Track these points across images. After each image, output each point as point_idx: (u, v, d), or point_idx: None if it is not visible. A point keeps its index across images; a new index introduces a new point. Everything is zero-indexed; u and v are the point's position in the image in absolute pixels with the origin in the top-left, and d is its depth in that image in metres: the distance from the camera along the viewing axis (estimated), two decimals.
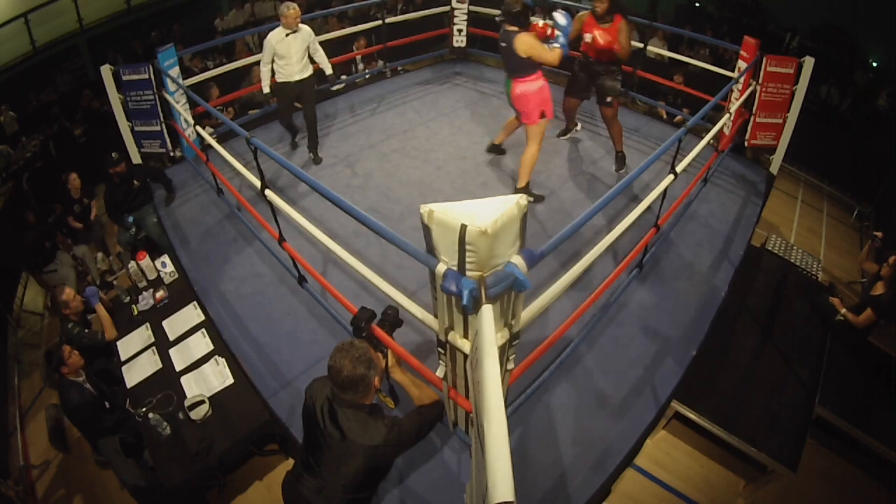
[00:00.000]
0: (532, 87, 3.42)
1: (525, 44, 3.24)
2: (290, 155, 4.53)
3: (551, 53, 3.26)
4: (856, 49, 7.93)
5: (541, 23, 3.27)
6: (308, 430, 1.85)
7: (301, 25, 3.95)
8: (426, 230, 1.56)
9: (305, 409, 1.84)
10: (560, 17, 3.26)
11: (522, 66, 3.36)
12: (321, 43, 5.37)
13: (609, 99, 3.90)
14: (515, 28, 3.28)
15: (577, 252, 3.30)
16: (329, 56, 5.67)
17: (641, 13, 6.43)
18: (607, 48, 3.63)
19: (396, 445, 1.74)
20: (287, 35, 3.91)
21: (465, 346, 1.78)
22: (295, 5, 3.89)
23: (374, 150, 4.56)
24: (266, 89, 4.11)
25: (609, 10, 3.61)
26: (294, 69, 4.04)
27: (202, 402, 2.70)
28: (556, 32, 3.26)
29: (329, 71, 4.37)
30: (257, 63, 5.43)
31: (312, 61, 4.21)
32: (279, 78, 4.06)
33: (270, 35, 3.92)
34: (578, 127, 4.64)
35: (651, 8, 8.64)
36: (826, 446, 3.32)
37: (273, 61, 3.99)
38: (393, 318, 2.09)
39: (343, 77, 6.10)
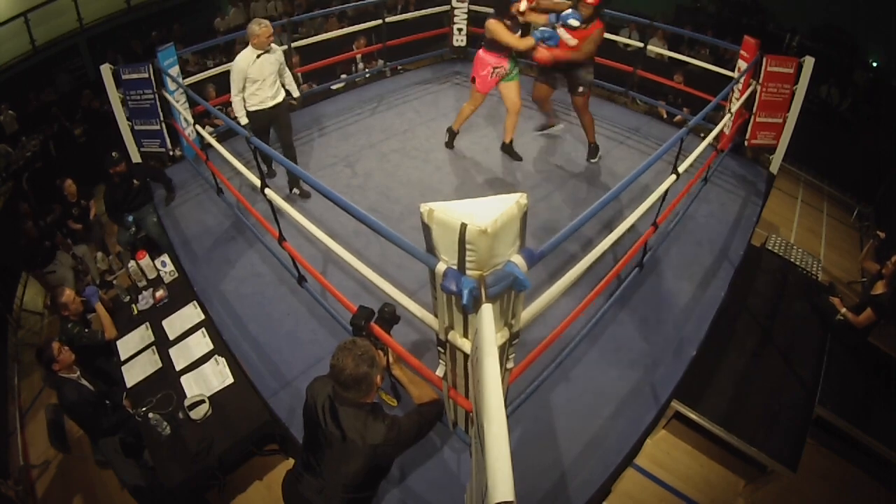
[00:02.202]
0: (490, 58, 3.89)
1: (489, 28, 3.75)
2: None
3: (520, 41, 3.69)
4: (856, 49, 7.93)
5: (522, 6, 3.68)
6: (309, 429, 1.85)
7: (272, 45, 3.59)
8: (426, 229, 1.55)
9: (306, 408, 1.84)
10: (573, 19, 3.62)
11: (490, 43, 3.84)
12: (320, 43, 5.42)
13: (581, 89, 3.94)
14: (492, 12, 3.83)
15: (578, 252, 3.30)
16: (329, 56, 5.65)
17: (644, 13, 6.42)
18: (568, 52, 3.74)
19: (396, 445, 1.74)
20: (258, 57, 3.53)
21: (465, 345, 1.78)
22: (267, 22, 3.52)
23: (374, 149, 4.56)
24: (243, 120, 3.66)
25: (591, 17, 3.67)
26: (268, 94, 3.66)
27: (202, 401, 2.70)
28: (542, 23, 3.69)
29: (296, 93, 3.99)
30: None
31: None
32: (251, 106, 3.67)
33: (239, 59, 3.53)
34: (560, 126, 4.58)
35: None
36: (826, 446, 3.32)
37: (244, 88, 3.60)
38: (390, 315, 2.10)
39: (343, 76, 6.12)
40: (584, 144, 4.61)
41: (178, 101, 4.08)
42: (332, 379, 1.71)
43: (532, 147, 4.56)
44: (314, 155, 4.53)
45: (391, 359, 1.98)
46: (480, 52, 3.95)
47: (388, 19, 5.56)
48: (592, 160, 4.36)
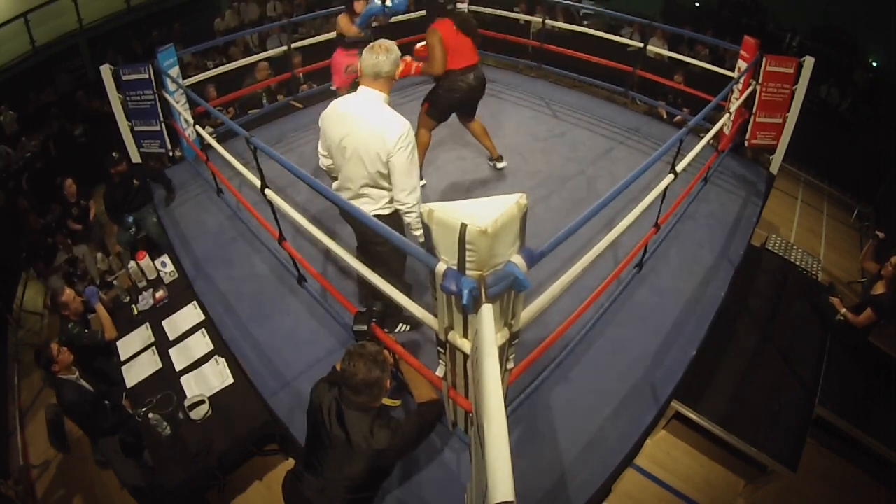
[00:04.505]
0: (339, 56, 4.19)
1: (338, 22, 4.06)
2: (290, 154, 4.52)
3: (350, 28, 3.99)
4: (856, 49, 7.94)
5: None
6: (312, 430, 1.86)
7: None
8: (426, 229, 1.55)
9: (311, 409, 1.85)
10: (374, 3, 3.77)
11: (342, 41, 4.12)
12: (320, 43, 5.39)
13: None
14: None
15: (577, 252, 3.30)
16: (329, 56, 5.55)
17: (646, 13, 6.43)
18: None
19: (400, 450, 1.75)
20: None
21: (464, 345, 1.78)
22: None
23: None
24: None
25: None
26: None
27: (202, 402, 2.70)
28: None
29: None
30: (256, 63, 5.43)
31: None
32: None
33: (407, 124, 2.10)
34: (501, 164, 4.16)
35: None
36: (826, 446, 3.32)
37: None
38: (379, 313, 2.10)
39: None
40: (582, 145, 4.62)
41: (177, 102, 4.08)
42: (343, 383, 1.71)
43: (531, 147, 4.56)
44: (314, 155, 4.51)
45: (397, 357, 1.99)
46: (336, 53, 4.20)
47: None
48: None
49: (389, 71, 2.10)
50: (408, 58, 3.24)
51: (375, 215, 2.16)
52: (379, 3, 3.78)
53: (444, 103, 3.51)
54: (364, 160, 2.11)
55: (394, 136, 2.03)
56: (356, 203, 2.24)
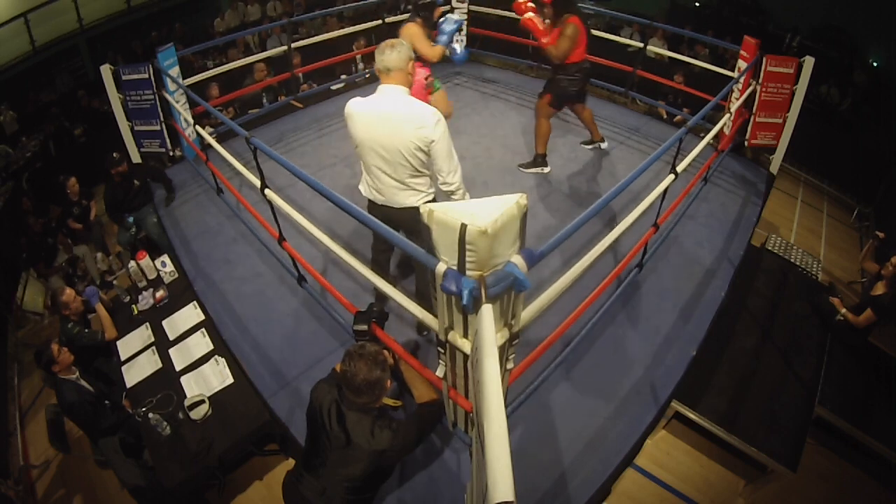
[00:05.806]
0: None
1: (407, 32, 3.19)
2: (290, 154, 4.53)
3: (433, 50, 3.21)
4: (856, 49, 7.93)
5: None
6: (312, 431, 1.85)
7: None
8: (426, 230, 1.56)
9: (311, 410, 1.84)
10: (451, 18, 3.29)
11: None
12: (320, 43, 5.41)
13: (542, 91, 3.96)
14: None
15: (578, 252, 3.30)
16: (329, 56, 5.63)
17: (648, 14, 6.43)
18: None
19: (401, 450, 1.75)
20: None
21: (465, 345, 1.78)
22: None
23: None
24: None
25: (557, 13, 3.60)
26: None
27: (202, 401, 2.70)
28: (443, 27, 3.25)
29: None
30: (255, 63, 5.43)
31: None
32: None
33: (435, 111, 2.14)
34: (604, 144, 4.51)
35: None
36: (826, 446, 3.32)
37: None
38: (379, 313, 2.10)
39: (343, 77, 6.11)
40: (583, 145, 4.61)
41: (177, 102, 4.09)
42: (344, 385, 1.71)
43: (531, 147, 4.55)
44: (314, 155, 4.53)
45: (397, 357, 1.99)
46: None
47: (388, 19, 5.56)
48: (525, 169, 4.23)
49: (398, 65, 2.12)
50: (540, 23, 3.59)
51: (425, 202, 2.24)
52: (457, 17, 3.30)
53: (567, 93, 3.87)
54: (405, 154, 2.16)
55: (431, 124, 2.09)
56: (403, 195, 2.32)
